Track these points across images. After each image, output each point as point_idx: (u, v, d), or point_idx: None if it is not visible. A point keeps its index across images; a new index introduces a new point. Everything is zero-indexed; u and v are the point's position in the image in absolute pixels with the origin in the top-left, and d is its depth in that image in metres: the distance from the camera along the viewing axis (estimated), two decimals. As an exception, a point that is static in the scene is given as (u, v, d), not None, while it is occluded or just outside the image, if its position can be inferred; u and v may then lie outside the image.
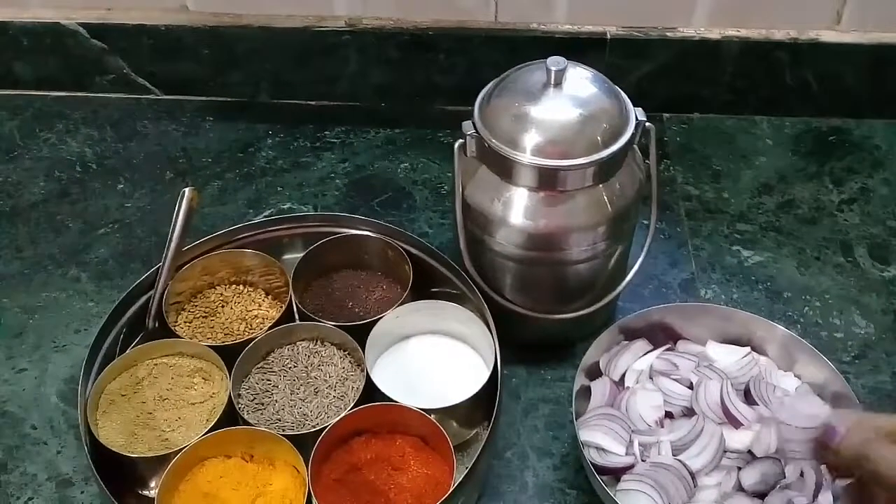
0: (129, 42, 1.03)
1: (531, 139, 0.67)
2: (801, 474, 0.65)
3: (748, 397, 0.69)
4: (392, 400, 0.68)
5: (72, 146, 1.03)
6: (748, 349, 0.73)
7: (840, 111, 1.05)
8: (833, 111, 1.05)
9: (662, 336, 0.76)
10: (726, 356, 0.72)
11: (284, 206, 0.95)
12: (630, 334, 0.75)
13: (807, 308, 0.85)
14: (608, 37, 0.99)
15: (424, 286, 0.79)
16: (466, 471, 0.64)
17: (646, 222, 0.78)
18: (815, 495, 0.64)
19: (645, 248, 0.77)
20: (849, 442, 0.60)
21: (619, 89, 0.71)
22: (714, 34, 1.00)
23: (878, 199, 0.96)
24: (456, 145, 0.71)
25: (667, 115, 1.06)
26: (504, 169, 0.69)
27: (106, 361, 0.72)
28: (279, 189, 0.97)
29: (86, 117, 1.06)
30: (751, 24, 0.99)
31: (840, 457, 0.61)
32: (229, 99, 1.08)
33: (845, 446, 0.60)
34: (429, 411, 0.68)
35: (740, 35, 1.00)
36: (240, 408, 0.69)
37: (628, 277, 0.78)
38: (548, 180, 0.68)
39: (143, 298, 0.76)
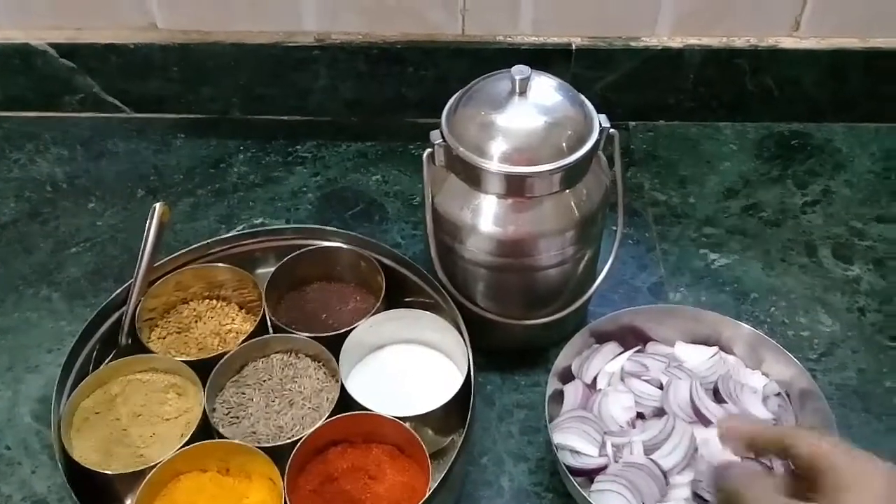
0: (98, 61, 1.04)
1: (498, 147, 0.68)
2: (772, 470, 0.66)
3: (717, 396, 0.70)
4: (367, 409, 0.69)
5: (42, 166, 1.02)
6: (716, 349, 0.74)
7: (801, 116, 1.07)
8: (794, 116, 1.07)
9: (632, 338, 0.77)
10: (695, 356, 0.74)
11: (257, 221, 0.96)
12: (601, 337, 0.77)
13: (773, 308, 0.86)
14: (573, 47, 1.01)
15: (397, 296, 0.80)
16: (441, 477, 0.65)
17: (614, 228, 0.79)
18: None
19: (613, 253, 0.78)
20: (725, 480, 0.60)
21: (583, 97, 0.73)
22: (676, 43, 1.02)
23: (840, 201, 0.98)
24: (425, 155, 0.72)
25: (632, 123, 1.07)
26: (472, 177, 0.70)
27: (79, 379, 0.71)
28: (251, 204, 0.98)
29: (56, 137, 1.06)
30: (712, 32, 1.02)
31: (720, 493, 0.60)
32: (200, 116, 1.08)
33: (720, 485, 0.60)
34: (404, 419, 0.68)
35: (702, 43, 1.02)
36: (214, 422, 0.69)
37: (598, 282, 0.79)
38: (515, 187, 0.69)
39: (116, 315, 0.76)
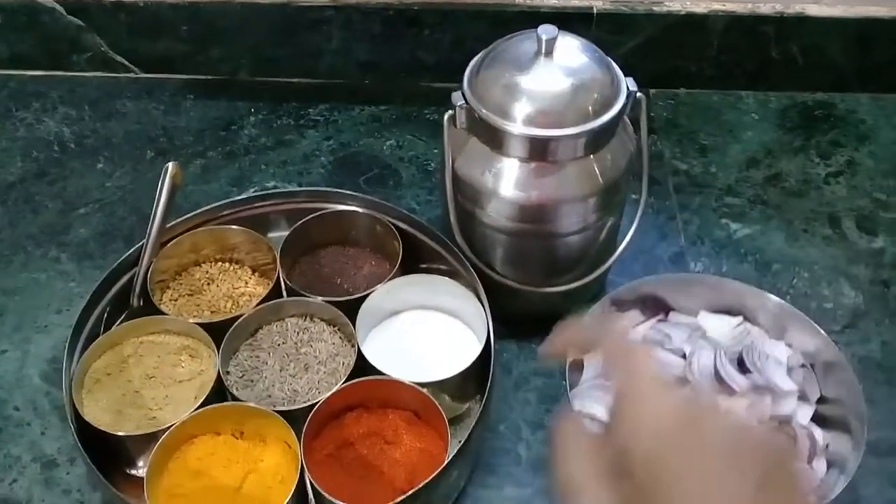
0: (106, 19, 1.01)
1: (522, 109, 0.66)
2: (796, 440, 0.65)
3: (741, 366, 0.69)
4: (384, 374, 0.67)
5: (49, 126, 1.00)
6: (741, 318, 0.73)
7: (825, 85, 1.05)
8: (818, 85, 1.05)
9: (654, 308, 0.76)
10: (719, 326, 0.73)
11: (269, 185, 0.94)
12: (622, 306, 0.75)
13: (796, 279, 0.85)
14: (594, 11, 0.98)
15: (413, 262, 0.79)
16: (460, 444, 0.64)
17: (635, 196, 0.77)
18: (810, 460, 0.65)
19: (636, 221, 0.76)
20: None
21: (610, 59, 0.70)
22: (700, 8, 0.99)
23: (864, 172, 0.96)
24: (445, 117, 0.70)
25: (653, 90, 1.05)
26: (494, 140, 0.68)
27: (90, 340, 0.70)
28: (263, 167, 0.96)
29: (63, 96, 1.04)
30: (737, -3, 0.99)
31: None
32: (210, 77, 1.06)
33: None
34: (421, 385, 0.67)
35: (726, 9, 0.99)
36: (229, 385, 0.68)
37: (619, 250, 0.78)
38: (539, 151, 0.68)
39: (127, 276, 0.74)
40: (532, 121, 0.66)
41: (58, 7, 1.00)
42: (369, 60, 1.04)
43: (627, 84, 0.69)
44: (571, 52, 0.69)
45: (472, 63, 0.71)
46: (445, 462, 0.62)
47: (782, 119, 1.02)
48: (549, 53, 0.67)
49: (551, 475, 0.43)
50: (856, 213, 0.92)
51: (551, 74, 0.67)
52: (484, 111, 0.67)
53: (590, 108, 0.67)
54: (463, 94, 0.69)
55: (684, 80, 1.05)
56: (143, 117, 1.01)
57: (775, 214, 0.91)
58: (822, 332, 0.70)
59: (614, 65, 0.70)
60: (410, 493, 0.60)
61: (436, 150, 0.97)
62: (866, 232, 0.90)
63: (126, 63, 1.05)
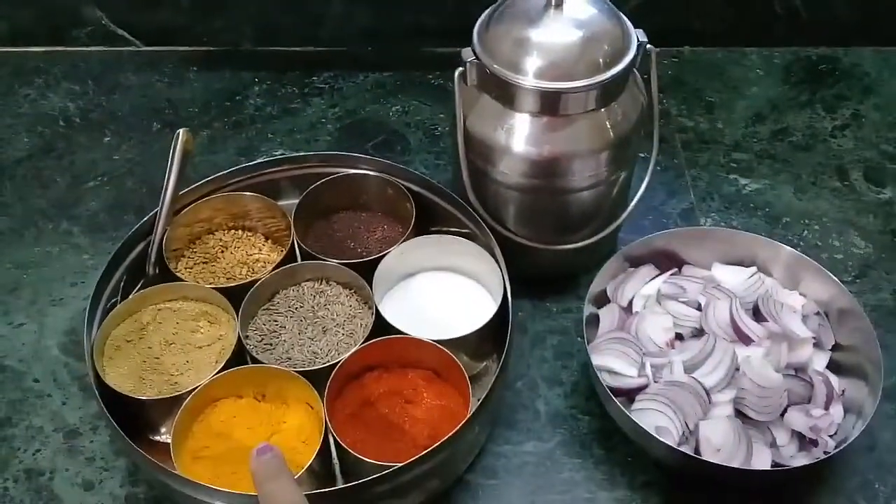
0: (106, -9, 1.01)
1: (533, 63, 0.66)
2: (813, 386, 0.66)
3: (757, 315, 0.69)
4: (403, 333, 0.68)
5: (53, 101, 1.00)
6: (754, 269, 0.73)
7: (828, 40, 1.05)
8: (821, 40, 1.05)
9: (667, 262, 0.76)
10: (733, 277, 0.73)
11: (276, 153, 0.94)
12: (635, 261, 0.75)
13: (806, 231, 0.85)
14: (597, -30, 0.98)
15: (426, 225, 0.79)
16: (479, 402, 0.64)
17: (643, 155, 0.77)
18: (827, 406, 0.65)
19: (648, 175, 0.77)
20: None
21: (619, 11, 0.70)
22: (703, -37, 0.99)
23: (870, 125, 0.96)
24: (456, 74, 0.69)
25: (657, 49, 1.04)
26: (506, 95, 0.68)
27: (108, 309, 0.70)
28: (270, 136, 0.96)
29: (66, 72, 1.03)
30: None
31: None
32: (213, 48, 1.05)
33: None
34: (439, 343, 0.67)
35: (729, -36, 0.99)
36: (250, 348, 0.68)
37: (631, 206, 0.78)
38: (550, 104, 0.68)
39: (141, 246, 0.74)
40: (543, 74, 0.66)
41: (57, -19, 1.00)
42: (372, 26, 1.03)
43: (637, 35, 0.69)
44: (581, 4, 0.69)
45: (481, 18, 0.70)
46: (467, 417, 0.63)
47: (787, 74, 1.02)
48: (558, 6, 0.67)
49: None
50: (863, 164, 0.92)
51: (561, 27, 0.67)
52: (495, 66, 0.67)
53: (600, 60, 0.67)
54: (473, 50, 0.69)
55: (688, 38, 1.05)
56: (147, 90, 1.01)
57: (783, 168, 0.91)
58: (836, 279, 0.70)
59: (623, 17, 0.70)
60: (432, 448, 0.61)
61: (442, 115, 0.97)
62: (874, 183, 0.90)
63: (127, 36, 1.05)
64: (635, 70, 0.72)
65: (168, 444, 0.62)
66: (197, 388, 0.64)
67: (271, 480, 0.51)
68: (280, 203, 0.80)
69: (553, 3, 0.67)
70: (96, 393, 0.63)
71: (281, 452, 0.53)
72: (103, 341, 0.69)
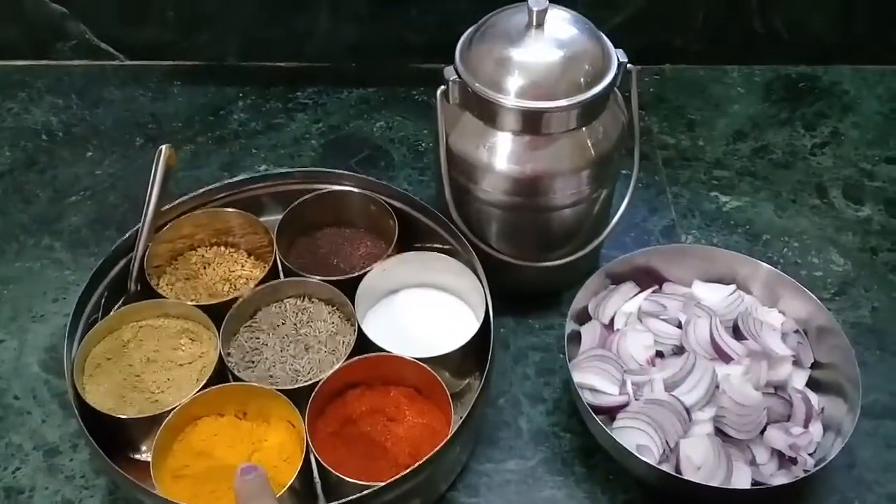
0: (90, 6, 1.00)
1: (515, 82, 0.67)
2: (792, 404, 0.66)
3: (737, 333, 0.70)
4: (386, 351, 0.68)
5: (36, 115, 0.99)
6: (734, 286, 0.74)
7: (808, 58, 1.06)
8: (801, 59, 1.06)
9: (648, 279, 0.76)
10: (713, 294, 0.73)
11: (260, 168, 0.94)
12: (616, 278, 0.76)
13: (786, 249, 0.86)
14: (580, -12, 0.99)
15: (409, 241, 0.79)
16: (462, 419, 0.64)
17: (625, 172, 0.78)
18: (806, 424, 0.66)
19: (629, 193, 0.77)
20: None
21: (600, 31, 0.71)
22: (684, -18, 1.00)
23: (849, 143, 0.97)
24: (438, 92, 0.70)
25: (639, 66, 1.05)
26: (488, 114, 0.69)
27: (88, 326, 0.70)
28: (253, 151, 0.96)
29: (49, 85, 1.03)
30: (721, -31, 1.00)
31: None
32: (196, 63, 1.05)
33: None
34: (422, 361, 0.67)
35: (710, -18, 1.00)
36: (231, 366, 0.68)
37: (613, 222, 0.78)
38: (532, 123, 0.68)
39: (123, 262, 0.74)
40: (525, 93, 0.67)
41: (40, -6, 0.99)
42: (357, 42, 1.04)
43: (618, 55, 0.70)
44: (562, 24, 0.69)
45: (463, 37, 0.71)
46: (449, 436, 0.63)
47: (767, 92, 1.04)
48: (539, 25, 0.68)
49: None
50: (842, 182, 0.93)
51: (543, 46, 0.68)
52: (477, 85, 0.68)
53: (582, 79, 0.67)
54: (455, 69, 0.69)
55: (669, 56, 1.06)
56: (130, 104, 1.01)
57: (763, 186, 0.92)
58: (815, 297, 0.71)
59: (604, 37, 0.71)
60: (414, 467, 0.61)
61: (425, 131, 0.98)
62: (853, 201, 0.91)
63: (111, 50, 1.05)
64: (616, 89, 0.73)
65: (149, 462, 0.62)
66: (178, 406, 0.64)
67: (254, 500, 0.52)
68: (263, 219, 0.80)
69: (535, 22, 0.67)
70: (76, 411, 0.63)
71: (265, 472, 0.53)
72: (84, 358, 0.68)
